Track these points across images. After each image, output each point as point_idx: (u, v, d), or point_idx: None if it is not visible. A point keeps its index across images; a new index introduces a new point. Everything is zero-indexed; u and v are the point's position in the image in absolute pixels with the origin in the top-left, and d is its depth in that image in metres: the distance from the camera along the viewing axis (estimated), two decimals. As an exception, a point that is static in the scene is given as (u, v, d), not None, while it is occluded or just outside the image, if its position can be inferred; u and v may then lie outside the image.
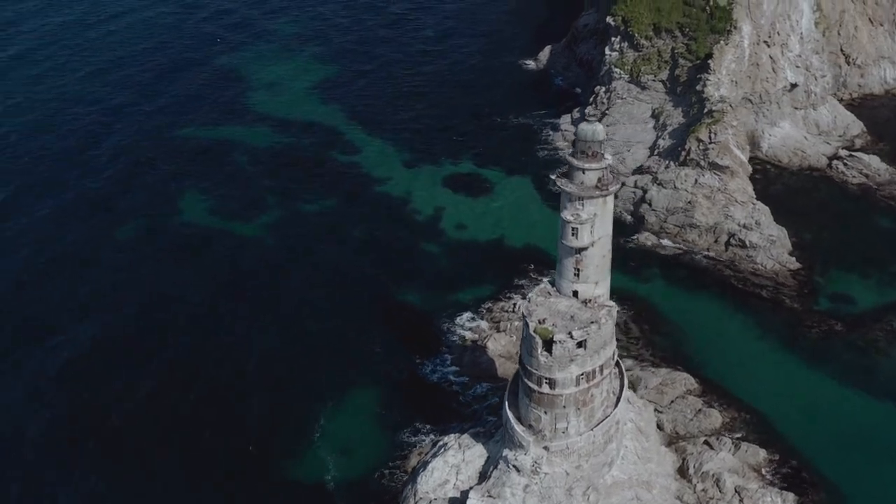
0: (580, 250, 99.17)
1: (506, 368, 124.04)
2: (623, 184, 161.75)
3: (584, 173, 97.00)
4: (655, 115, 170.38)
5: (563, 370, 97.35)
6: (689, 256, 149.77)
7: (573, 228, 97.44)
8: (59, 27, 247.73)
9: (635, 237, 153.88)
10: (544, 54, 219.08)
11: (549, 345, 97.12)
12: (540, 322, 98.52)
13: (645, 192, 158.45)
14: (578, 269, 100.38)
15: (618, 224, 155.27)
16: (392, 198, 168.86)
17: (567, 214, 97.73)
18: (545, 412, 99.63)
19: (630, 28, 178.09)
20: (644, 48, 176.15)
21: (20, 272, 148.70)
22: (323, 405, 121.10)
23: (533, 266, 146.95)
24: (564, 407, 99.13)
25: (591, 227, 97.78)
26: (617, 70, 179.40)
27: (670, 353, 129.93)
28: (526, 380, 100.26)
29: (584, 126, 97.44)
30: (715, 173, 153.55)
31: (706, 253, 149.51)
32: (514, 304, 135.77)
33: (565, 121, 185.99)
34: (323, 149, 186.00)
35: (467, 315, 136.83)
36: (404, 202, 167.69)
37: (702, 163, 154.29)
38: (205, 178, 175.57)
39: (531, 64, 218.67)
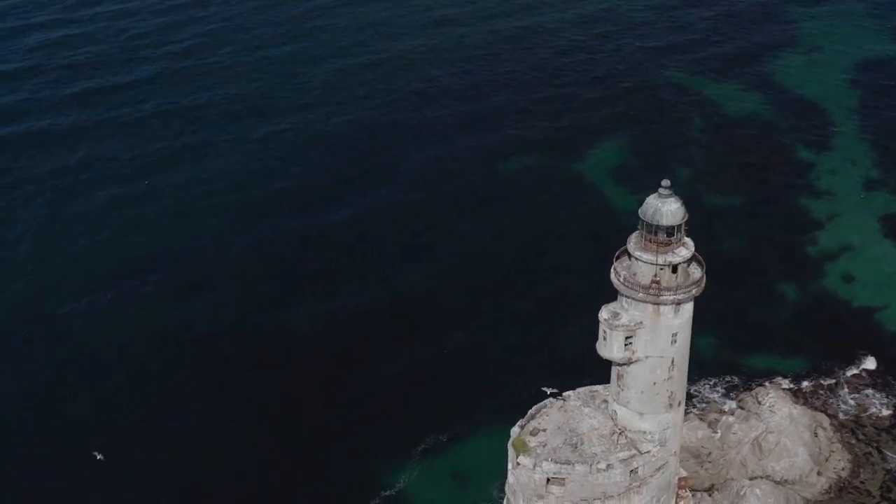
0: (619, 363, 72.54)
1: (682, 468, 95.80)
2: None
3: (637, 262, 69.54)
4: None
5: (529, 503, 73.54)
6: None
7: (604, 331, 71.10)
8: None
9: None
10: None
11: (520, 463, 73.99)
12: (532, 432, 75.07)
13: None
14: (620, 388, 73.73)
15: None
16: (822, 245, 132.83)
17: (604, 310, 71.63)
18: (511, 544, 76.89)
19: None
20: None
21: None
22: (425, 450, 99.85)
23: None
24: (532, 549, 75.26)
25: (632, 338, 70.45)
26: None
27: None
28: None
29: (650, 201, 69.44)
30: None
31: None
32: (763, 392, 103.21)
33: None
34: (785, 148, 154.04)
35: (713, 380, 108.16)
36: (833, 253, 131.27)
37: None
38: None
39: None
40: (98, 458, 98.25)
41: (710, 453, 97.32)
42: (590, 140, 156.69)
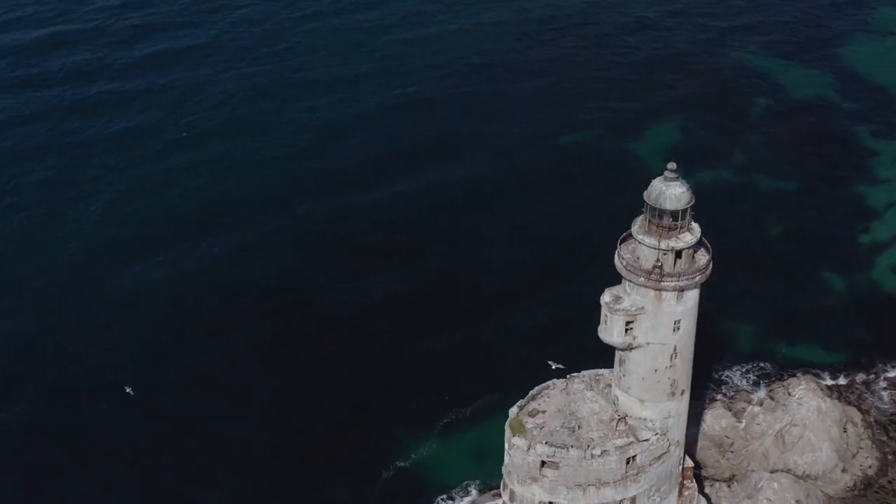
0: (620, 348, 71.37)
1: (703, 457, 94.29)
2: None
3: (640, 246, 68.20)
4: None
5: (523, 485, 72.92)
6: None
7: (605, 314, 69.95)
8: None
9: None
10: None
11: (516, 444, 73.27)
12: (531, 413, 74.29)
13: None
14: (621, 373, 72.58)
15: None
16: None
17: (606, 293, 70.45)
18: (506, 525, 76.31)
19: None
20: None
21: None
22: (447, 424, 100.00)
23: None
24: (526, 532, 74.62)
25: (633, 324, 69.18)
26: None
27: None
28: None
29: (655, 183, 67.72)
30: None
31: None
32: (795, 384, 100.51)
33: None
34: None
35: (746, 367, 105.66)
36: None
37: None
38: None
39: None
40: (128, 391, 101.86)
41: (732, 443, 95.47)
42: (649, 120, 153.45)
